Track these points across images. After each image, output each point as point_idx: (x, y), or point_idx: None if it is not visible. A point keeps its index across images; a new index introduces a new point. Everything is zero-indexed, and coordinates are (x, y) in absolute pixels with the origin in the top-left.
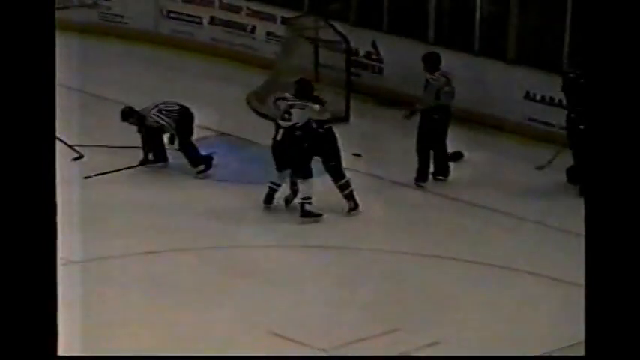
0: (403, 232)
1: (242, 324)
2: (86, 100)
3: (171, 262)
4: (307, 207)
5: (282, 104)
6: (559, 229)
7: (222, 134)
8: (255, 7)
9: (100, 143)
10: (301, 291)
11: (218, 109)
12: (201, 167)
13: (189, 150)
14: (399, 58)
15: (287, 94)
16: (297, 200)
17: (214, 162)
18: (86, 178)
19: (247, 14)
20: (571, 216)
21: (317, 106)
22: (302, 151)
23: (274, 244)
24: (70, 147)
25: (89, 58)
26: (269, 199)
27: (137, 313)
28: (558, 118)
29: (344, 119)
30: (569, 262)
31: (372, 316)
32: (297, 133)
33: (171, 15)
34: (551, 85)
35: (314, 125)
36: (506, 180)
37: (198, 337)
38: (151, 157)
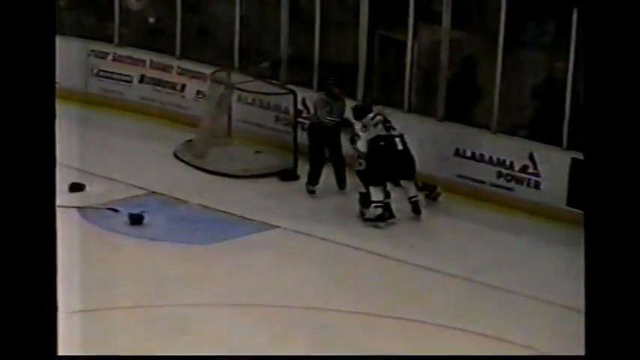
0: (327, 288)
1: None
2: None
3: (102, 321)
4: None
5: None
6: (489, 286)
7: (153, 193)
8: (185, 65)
9: None
10: (233, 349)
11: (148, 167)
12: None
13: None
14: None
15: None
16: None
17: (145, 221)
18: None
19: (178, 73)
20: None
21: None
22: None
23: (204, 302)
24: None
25: None
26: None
27: None
28: None
29: (294, 177)
30: (495, 317)
31: None
32: (381, 143)
33: (101, 74)
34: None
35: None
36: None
37: None
38: None
